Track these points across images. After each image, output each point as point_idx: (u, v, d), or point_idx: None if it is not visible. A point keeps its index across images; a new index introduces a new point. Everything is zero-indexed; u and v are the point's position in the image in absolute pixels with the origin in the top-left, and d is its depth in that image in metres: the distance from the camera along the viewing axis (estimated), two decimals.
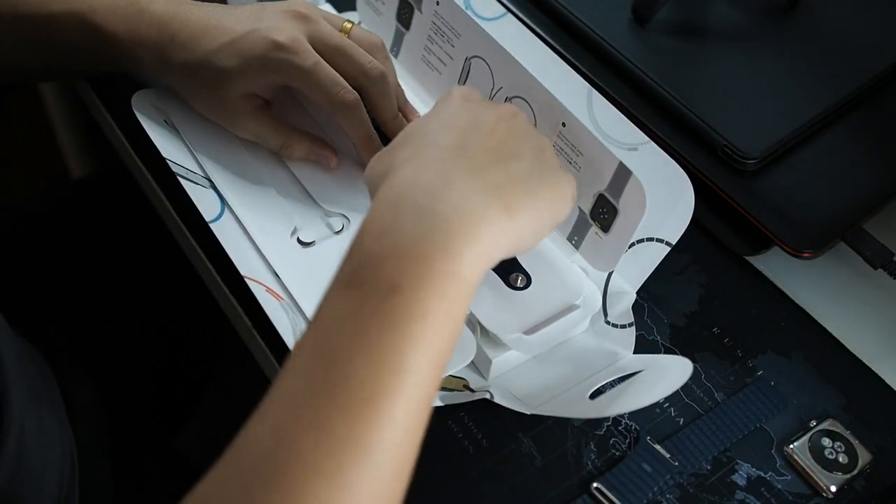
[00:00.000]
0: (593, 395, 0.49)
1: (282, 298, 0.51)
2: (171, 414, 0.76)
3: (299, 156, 0.58)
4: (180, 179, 0.55)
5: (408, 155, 0.44)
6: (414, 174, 0.43)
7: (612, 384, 0.50)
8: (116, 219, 0.79)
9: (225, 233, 0.54)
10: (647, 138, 0.52)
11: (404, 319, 0.39)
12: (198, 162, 0.57)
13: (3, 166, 1.36)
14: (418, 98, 0.63)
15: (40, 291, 0.70)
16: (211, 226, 0.54)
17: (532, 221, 0.44)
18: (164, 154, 0.56)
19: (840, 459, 0.50)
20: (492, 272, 0.54)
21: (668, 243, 0.51)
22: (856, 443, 0.51)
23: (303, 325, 0.50)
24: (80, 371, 0.64)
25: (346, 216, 0.56)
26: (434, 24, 0.60)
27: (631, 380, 0.50)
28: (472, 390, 0.50)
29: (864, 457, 0.50)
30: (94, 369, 0.66)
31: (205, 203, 0.55)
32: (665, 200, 0.51)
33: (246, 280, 0.51)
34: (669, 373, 0.49)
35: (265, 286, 0.51)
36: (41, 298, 0.69)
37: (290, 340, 0.49)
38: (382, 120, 0.58)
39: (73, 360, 0.65)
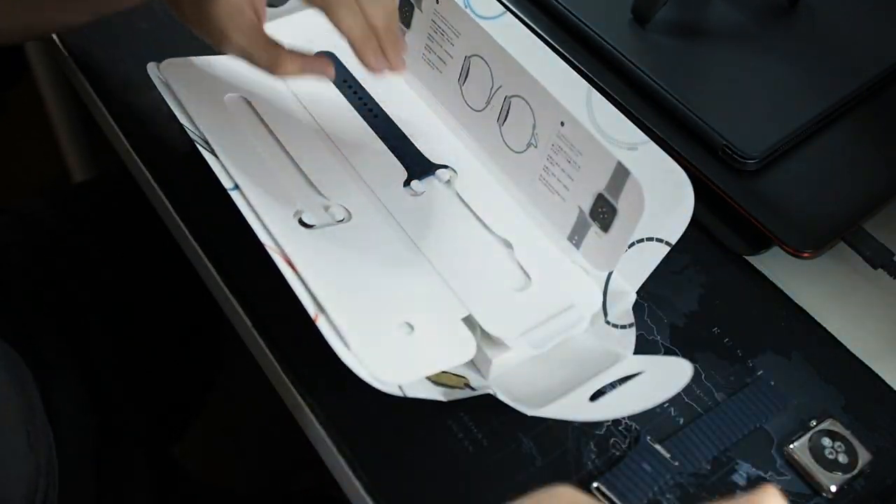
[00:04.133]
0: (594, 397, 0.49)
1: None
2: (169, 421, 0.76)
3: (292, 71, 0.54)
4: (199, 148, 0.55)
5: None
6: None
7: (613, 385, 0.50)
8: (116, 221, 0.79)
9: (241, 204, 0.53)
10: (646, 138, 0.52)
11: None
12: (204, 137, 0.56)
13: (4, 168, 1.36)
14: (421, 98, 0.62)
15: (32, 292, 0.69)
16: (230, 193, 0.53)
17: None
18: (182, 121, 0.56)
19: (840, 459, 0.50)
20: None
21: (667, 243, 0.51)
22: (856, 443, 0.51)
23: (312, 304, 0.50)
24: (73, 377, 0.64)
25: (346, 209, 0.56)
26: (434, 22, 0.60)
27: (632, 382, 0.49)
28: (472, 388, 0.50)
29: (864, 457, 0.50)
30: (89, 374, 0.66)
31: (222, 172, 0.54)
32: (665, 200, 0.51)
33: (266, 249, 0.51)
34: (670, 375, 0.49)
35: (283, 257, 0.51)
36: (33, 299, 0.69)
37: (311, 310, 0.49)
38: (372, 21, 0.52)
39: (67, 366, 0.64)
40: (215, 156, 0.55)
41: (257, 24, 0.53)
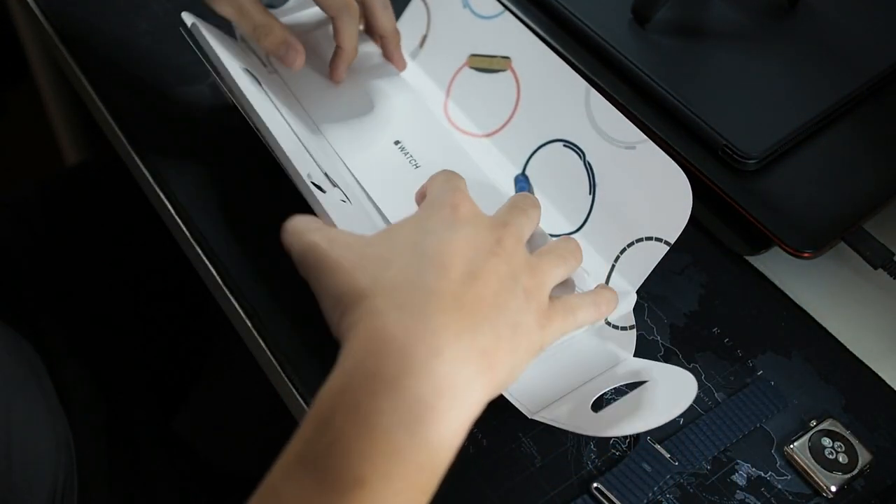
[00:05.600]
0: (595, 406, 0.49)
1: (325, 191, 0.52)
2: (167, 398, 0.76)
3: (271, 43, 0.55)
4: (237, 84, 0.55)
5: (387, 289, 0.38)
6: (396, 328, 0.36)
7: (615, 396, 0.50)
8: (109, 208, 0.80)
9: (274, 142, 0.53)
10: (644, 137, 0.52)
11: None
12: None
13: (3, 167, 1.36)
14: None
15: (34, 282, 0.70)
16: (267, 130, 0.53)
17: (510, 374, 0.41)
18: (215, 63, 0.56)
19: (840, 459, 0.50)
20: None
21: (667, 243, 0.51)
22: (856, 443, 0.51)
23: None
24: (75, 360, 0.65)
25: (346, 196, 0.55)
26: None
27: (635, 397, 0.49)
28: None
29: (864, 457, 0.50)
30: (89, 357, 0.67)
31: (255, 112, 0.54)
32: (664, 200, 0.51)
33: (302, 183, 0.51)
34: (675, 390, 0.48)
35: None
36: (35, 288, 0.69)
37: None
38: (383, 29, 0.59)
39: (68, 349, 0.65)
40: (248, 99, 0.54)
41: None
